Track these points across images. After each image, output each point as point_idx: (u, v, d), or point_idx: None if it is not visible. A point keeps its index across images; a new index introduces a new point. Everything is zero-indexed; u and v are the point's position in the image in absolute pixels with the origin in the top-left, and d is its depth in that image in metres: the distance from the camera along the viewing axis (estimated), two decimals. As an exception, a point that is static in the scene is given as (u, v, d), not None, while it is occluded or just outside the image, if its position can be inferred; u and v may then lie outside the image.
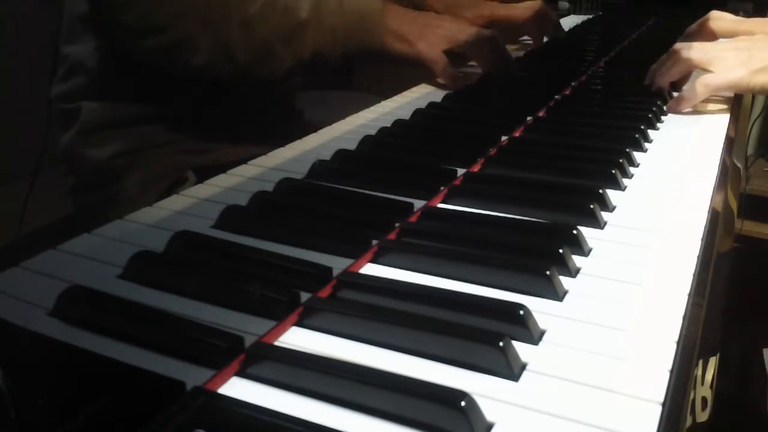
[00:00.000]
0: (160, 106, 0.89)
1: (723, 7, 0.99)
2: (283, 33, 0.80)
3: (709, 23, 0.95)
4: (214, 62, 0.79)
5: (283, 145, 0.70)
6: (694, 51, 0.81)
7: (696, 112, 0.83)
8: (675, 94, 0.87)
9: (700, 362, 0.40)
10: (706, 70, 0.80)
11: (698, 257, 0.47)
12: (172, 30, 0.76)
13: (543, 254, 0.45)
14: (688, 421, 0.35)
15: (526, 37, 1.26)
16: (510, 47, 1.25)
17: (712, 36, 0.96)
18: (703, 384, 0.42)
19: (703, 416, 0.42)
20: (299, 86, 1.07)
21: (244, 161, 0.64)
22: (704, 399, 0.43)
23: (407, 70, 0.96)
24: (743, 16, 1.53)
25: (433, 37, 0.90)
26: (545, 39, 1.20)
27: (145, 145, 0.89)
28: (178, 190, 0.58)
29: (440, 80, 0.92)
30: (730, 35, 0.94)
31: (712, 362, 0.47)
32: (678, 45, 0.84)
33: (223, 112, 0.92)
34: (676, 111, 0.82)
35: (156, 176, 0.88)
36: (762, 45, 0.79)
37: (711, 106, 0.85)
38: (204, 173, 0.62)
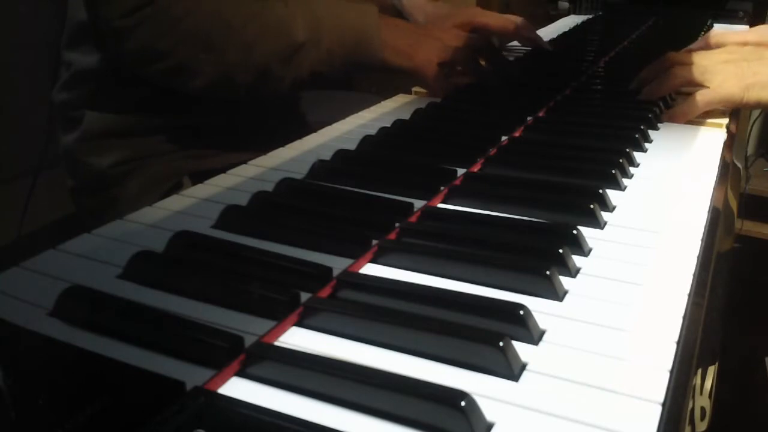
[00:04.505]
0: (161, 117, 0.90)
1: (722, 7, 0.98)
2: (282, 55, 0.81)
3: (711, 42, 0.94)
4: (215, 85, 0.81)
5: (282, 145, 0.70)
6: (688, 70, 0.79)
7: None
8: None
9: (699, 371, 0.40)
10: (701, 86, 0.79)
11: (698, 257, 0.47)
12: (173, 56, 0.78)
13: (543, 254, 0.45)
14: (687, 431, 0.35)
15: (515, 42, 1.25)
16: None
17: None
18: (701, 393, 0.42)
19: (702, 426, 0.42)
20: (298, 95, 1.07)
21: (241, 164, 0.64)
22: (703, 409, 0.43)
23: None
24: (743, 17, 1.54)
25: (430, 49, 0.90)
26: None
27: (145, 153, 0.90)
28: (174, 194, 0.58)
29: (430, 90, 0.92)
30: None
31: (711, 371, 0.47)
32: (672, 58, 0.83)
33: (221, 120, 0.93)
34: (670, 122, 0.82)
35: (153, 182, 0.90)
36: (752, 58, 0.78)
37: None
38: (200, 177, 0.62)
